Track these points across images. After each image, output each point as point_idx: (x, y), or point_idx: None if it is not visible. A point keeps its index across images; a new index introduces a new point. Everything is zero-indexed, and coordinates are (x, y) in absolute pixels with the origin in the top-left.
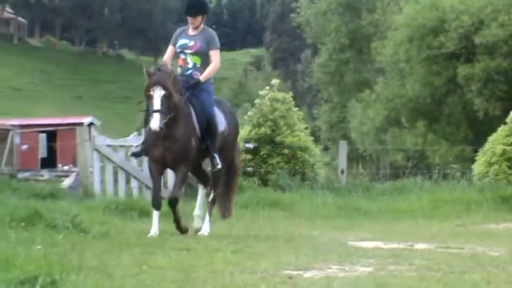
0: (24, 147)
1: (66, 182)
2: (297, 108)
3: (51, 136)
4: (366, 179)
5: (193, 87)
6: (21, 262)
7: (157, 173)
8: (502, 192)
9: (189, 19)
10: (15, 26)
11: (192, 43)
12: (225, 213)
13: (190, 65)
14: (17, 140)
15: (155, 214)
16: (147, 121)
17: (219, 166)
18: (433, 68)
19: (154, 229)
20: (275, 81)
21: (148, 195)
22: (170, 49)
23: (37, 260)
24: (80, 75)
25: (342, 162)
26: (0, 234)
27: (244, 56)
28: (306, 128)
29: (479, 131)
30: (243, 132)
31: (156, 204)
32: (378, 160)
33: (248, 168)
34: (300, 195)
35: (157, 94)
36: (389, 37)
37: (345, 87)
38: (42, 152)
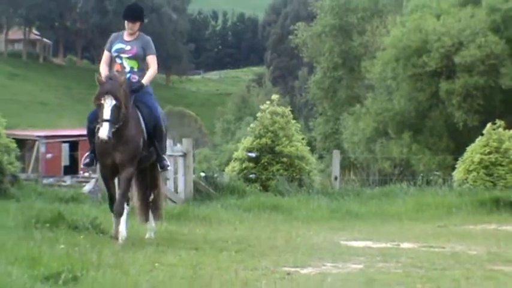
0: (49, 155)
1: (87, 187)
2: (294, 121)
3: (73, 146)
4: (356, 185)
5: (136, 91)
6: (46, 260)
7: (110, 179)
8: (480, 197)
9: (128, 24)
10: (40, 47)
11: (128, 47)
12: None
13: (127, 69)
14: (42, 149)
15: (121, 219)
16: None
17: (169, 167)
18: (417, 84)
19: (122, 234)
20: (275, 97)
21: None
22: (106, 54)
23: (60, 258)
24: None
25: (335, 169)
26: (26, 235)
27: (247, 73)
28: (303, 139)
29: (459, 141)
30: (246, 142)
31: (118, 212)
32: (367, 168)
33: (250, 175)
34: (297, 199)
35: (108, 104)
36: (378, 57)
37: (338, 102)
38: (65, 160)
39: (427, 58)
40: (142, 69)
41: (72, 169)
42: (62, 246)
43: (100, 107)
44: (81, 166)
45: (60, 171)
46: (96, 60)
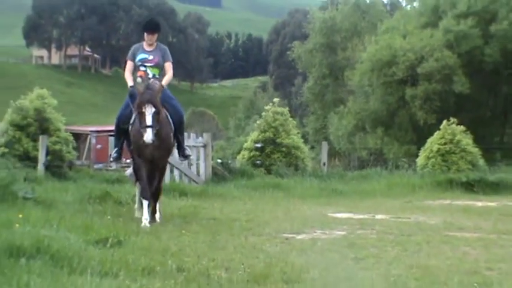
0: (99, 146)
1: (128, 171)
2: (291, 119)
3: None
4: (340, 169)
5: (163, 94)
6: (96, 228)
7: (146, 171)
8: (437, 178)
9: (148, 36)
10: (92, 60)
11: (151, 57)
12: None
13: (150, 76)
14: (93, 141)
15: (145, 204)
16: (133, 128)
17: (191, 155)
18: (387, 90)
19: (145, 216)
20: (276, 100)
21: (186, 182)
22: (129, 63)
23: (107, 226)
24: None
25: (324, 157)
26: (81, 208)
27: (254, 81)
28: (298, 133)
29: (420, 134)
30: (253, 135)
31: (146, 197)
32: (349, 155)
33: (257, 162)
34: (293, 180)
35: (149, 112)
36: (357, 68)
37: (326, 104)
38: (111, 149)
39: (396, 69)
40: (163, 74)
41: (117, 157)
42: (109, 217)
43: (141, 114)
44: (110, 160)
45: (107, 158)
46: None
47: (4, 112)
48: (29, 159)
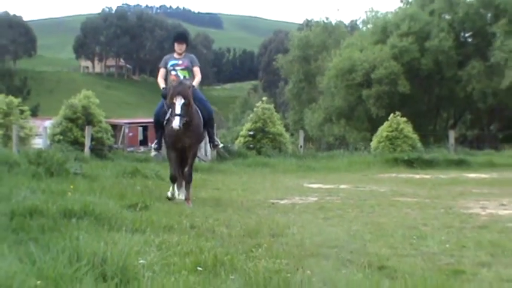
0: (130, 134)
1: (153, 153)
2: (276, 113)
3: (145, 128)
4: (313, 151)
5: (194, 93)
6: (129, 196)
7: (177, 158)
8: (386, 157)
9: (178, 46)
10: (124, 69)
11: (180, 62)
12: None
13: (181, 77)
14: (126, 130)
15: (173, 185)
16: (168, 122)
17: (220, 145)
18: (348, 91)
19: (171, 191)
20: (264, 98)
21: (197, 161)
22: (162, 70)
23: (137, 194)
24: None
25: (300, 141)
26: (117, 181)
27: (247, 85)
28: (281, 124)
29: (374, 124)
30: (247, 125)
31: (173, 179)
32: (319, 140)
33: (250, 145)
34: (278, 160)
35: (179, 102)
36: (326, 74)
37: (302, 102)
38: (140, 137)
39: (354, 75)
40: (192, 76)
41: (144, 142)
42: (138, 187)
43: (173, 104)
44: (152, 150)
45: (137, 143)
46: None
47: (59, 109)
48: (78, 144)
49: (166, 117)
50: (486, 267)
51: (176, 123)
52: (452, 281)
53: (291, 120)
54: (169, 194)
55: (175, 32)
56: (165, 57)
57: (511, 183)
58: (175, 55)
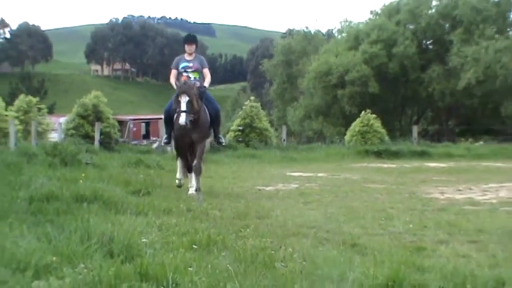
0: (134, 129)
1: (154, 145)
2: (262, 110)
3: (147, 124)
4: (294, 144)
5: (203, 91)
6: (133, 182)
7: (186, 152)
8: (358, 149)
9: (187, 47)
10: (129, 72)
11: (191, 64)
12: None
13: (192, 79)
14: (131, 125)
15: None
16: (175, 118)
17: (224, 143)
18: (325, 91)
19: (178, 179)
20: (252, 98)
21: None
22: (174, 71)
23: (140, 182)
24: (164, 95)
25: (283, 135)
26: (123, 170)
27: (237, 86)
28: (267, 120)
29: (347, 120)
30: (237, 121)
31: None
32: (300, 134)
33: (239, 139)
34: (264, 151)
35: (184, 100)
36: (306, 77)
37: (285, 101)
38: (143, 131)
39: (331, 77)
40: (201, 78)
41: (147, 136)
42: (141, 175)
43: (178, 102)
44: (162, 144)
45: (140, 137)
46: (159, 80)
47: (72, 107)
48: (88, 138)
49: (175, 116)
50: (444, 244)
51: (182, 119)
52: (415, 256)
53: (275, 117)
54: (177, 182)
55: (185, 35)
56: (176, 58)
57: (466, 172)
58: (186, 56)
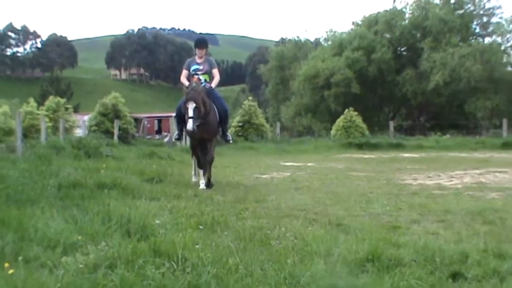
0: (148, 125)
1: (166, 139)
2: (259, 109)
3: (160, 121)
4: (287, 137)
5: (210, 92)
6: (147, 172)
7: (198, 148)
8: (342, 142)
9: (198, 50)
10: (144, 76)
11: (201, 67)
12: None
13: (202, 80)
14: (145, 122)
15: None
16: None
17: (231, 141)
18: (314, 92)
19: (193, 176)
20: (250, 98)
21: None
22: (185, 72)
23: (153, 171)
24: (174, 96)
25: (278, 130)
26: (139, 161)
27: (238, 87)
28: (263, 117)
29: (333, 117)
30: (237, 118)
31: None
32: (292, 129)
33: (239, 133)
34: (261, 144)
35: (191, 107)
36: (297, 79)
37: (279, 100)
38: (155, 127)
39: (318, 80)
40: (211, 79)
41: (159, 131)
42: (154, 166)
43: (186, 109)
44: (173, 140)
45: (154, 132)
46: (169, 82)
47: (94, 106)
48: (109, 133)
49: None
50: (416, 223)
51: (190, 125)
52: (391, 234)
53: (270, 114)
54: (193, 179)
55: (196, 39)
56: (188, 60)
57: (435, 161)
58: (196, 59)
